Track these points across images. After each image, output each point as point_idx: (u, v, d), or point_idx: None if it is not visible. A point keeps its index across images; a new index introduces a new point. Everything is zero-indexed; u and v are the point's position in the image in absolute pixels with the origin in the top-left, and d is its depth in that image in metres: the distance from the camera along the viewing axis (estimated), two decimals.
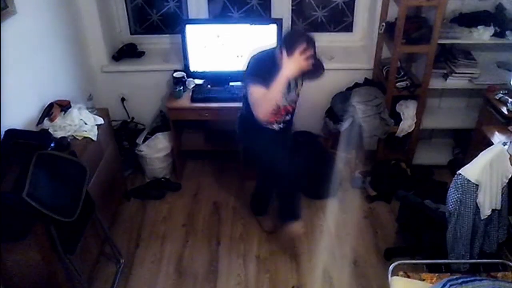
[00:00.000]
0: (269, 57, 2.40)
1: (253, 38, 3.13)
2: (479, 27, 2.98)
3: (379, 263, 2.77)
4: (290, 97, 2.53)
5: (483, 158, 2.12)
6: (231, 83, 3.29)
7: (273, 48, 2.48)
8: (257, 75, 2.34)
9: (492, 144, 2.50)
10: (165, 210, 3.25)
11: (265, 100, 2.28)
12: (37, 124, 2.50)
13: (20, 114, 2.39)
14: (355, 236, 2.99)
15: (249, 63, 2.44)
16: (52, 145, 2.24)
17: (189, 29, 3.15)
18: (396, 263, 2.14)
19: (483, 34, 2.98)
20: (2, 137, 2.15)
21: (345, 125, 3.20)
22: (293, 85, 2.50)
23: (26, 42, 2.48)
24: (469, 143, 3.25)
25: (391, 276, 2.11)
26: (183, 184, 3.48)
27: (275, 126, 2.58)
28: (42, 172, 1.99)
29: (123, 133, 3.47)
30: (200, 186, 3.49)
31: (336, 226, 3.07)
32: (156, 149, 3.36)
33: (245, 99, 2.52)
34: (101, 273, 2.70)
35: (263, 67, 2.36)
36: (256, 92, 2.31)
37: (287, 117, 2.61)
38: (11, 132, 2.17)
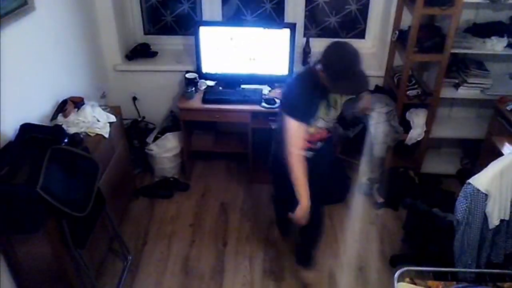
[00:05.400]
0: (307, 80, 2.16)
1: (266, 42, 3.16)
2: (492, 37, 2.98)
3: (384, 270, 2.77)
4: (329, 117, 2.24)
5: (493, 168, 2.12)
6: (242, 86, 3.32)
7: (309, 67, 2.25)
8: (297, 107, 2.12)
9: (502, 154, 2.50)
10: (173, 209, 3.27)
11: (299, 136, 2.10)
12: (51, 120, 2.53)
13: (34, 109, 2.42)
14: (361, 242, 3.00)
15: (287, 88, 2.28)
16: (66, 140, 2.26)
17: (203, 30, 3.18)
18: (402, 269, 2.14)
19: (496, 45, 2.98)
20: (17, 131, 2.18)
21: (354, 131, 3.21)
22: (332, 102, 2.23)
23: (43, 38, 2.52)
24: (478, 154, 3.24)
25: (397, 282, 2.11)
26: (191, 184, 3.50)
27: (306, 153, 2.23)
28: (56, 166, 2.01)
29: (133, 132, 3.50)
30: (208, 187, 3.51)
31: (342, 232, 3.08)
32: (166, 149, 3.38)
33: (280, 123, 2.27)
34: (108, 269, 2.73)
35: (303, 97, 2.14)
36: (294, 128, 2.10)
37: (318, 145, 2.31)
38: (26, 126, 2.19)
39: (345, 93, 2.25)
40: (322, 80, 2.08)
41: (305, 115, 2.13)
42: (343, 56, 2.02)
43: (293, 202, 2.17)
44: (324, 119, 2.23)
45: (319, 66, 2.07)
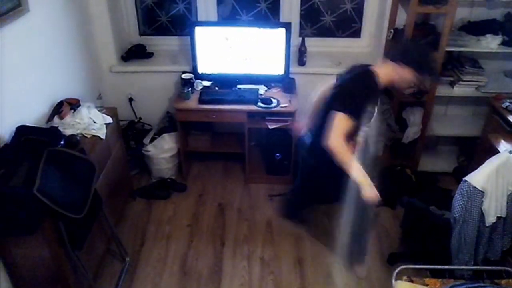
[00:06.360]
0: (366, 80, 2.19)
1: (261, 42, 3.16)
2: (487, 35, 3.00)
3: (382, 268, 2.78)
4: (369, 125, 2.27)
5: (490, 166, 2.13)
6: (238, 86, 3.32)
7: (368, 66, 2.24)
8: (351, 101, 2.14)
9: (498, 152, 2.51)
10: (170, 210, 3.27)
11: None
12: (47, 122, 2.52)
13: (30, 111, 2.41)
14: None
15: (341, 85, 2.24)
16: (62, 142, 2.26)
17: (198, 31, 3.18)
18: (400, 267, 2.15)
19: (491, 43, 2.99)
20: (13, 133, 2.17)
21: None
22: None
23: (38, 40, 2.51)
24: (474, 151, 3.26)
25: (395, 280, 2.12)
26: (188, 185, 3.50)
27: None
28: (52, 168, 2.01)
29: (130, 133, 3.50)
30: (205, 187, 3.51)
31: (339, 230, 3.07)
32: (163, 150, 3.38)
33: (320, 119, 2.29)
34: (106, 270, 2.72)
35: (360, 93, 2.16)
36: (341, 121, 2.11)
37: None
38: (22, 128, 2.19)
39: (434, 75, 2.42)
40: (402, 75, 2.15)
41: (356, 111, 2.13)
42: (421, 46, 2.44)
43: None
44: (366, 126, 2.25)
45: (396, 64, 2.14)
